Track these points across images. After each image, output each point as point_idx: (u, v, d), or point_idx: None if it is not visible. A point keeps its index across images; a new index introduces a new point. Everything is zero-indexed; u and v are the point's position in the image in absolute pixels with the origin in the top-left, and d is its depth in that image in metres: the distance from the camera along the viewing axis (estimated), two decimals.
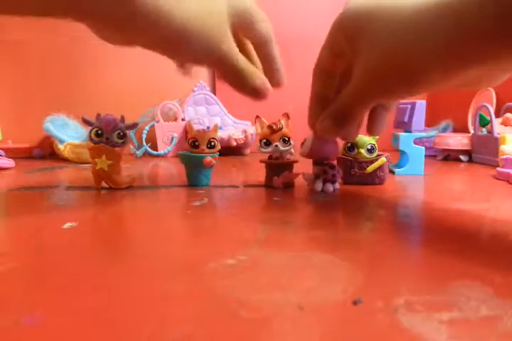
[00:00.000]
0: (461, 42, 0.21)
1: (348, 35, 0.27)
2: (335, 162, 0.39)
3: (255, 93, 0.33)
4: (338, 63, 0.31)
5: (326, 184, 0.38)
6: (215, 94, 0.89)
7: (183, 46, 0.29)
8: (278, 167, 0.40)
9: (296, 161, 0.41)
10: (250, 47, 0.36)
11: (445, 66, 0.23)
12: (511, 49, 0.20)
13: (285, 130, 0.38)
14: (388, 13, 0.24)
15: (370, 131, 0.34)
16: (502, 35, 0.19)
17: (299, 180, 0.41)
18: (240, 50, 0.33)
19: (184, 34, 0.28)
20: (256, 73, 0.33)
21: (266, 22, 0.35)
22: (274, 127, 0.39)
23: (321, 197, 0.36)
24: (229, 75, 0.33)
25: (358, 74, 0.27)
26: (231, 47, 0.32)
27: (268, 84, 0.34)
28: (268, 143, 0.39)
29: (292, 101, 0.74)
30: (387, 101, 0.30)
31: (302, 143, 0.37)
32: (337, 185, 0.39)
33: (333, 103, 0.31)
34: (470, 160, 0.69)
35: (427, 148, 0.54)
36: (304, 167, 0.44)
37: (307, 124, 0.34)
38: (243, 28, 0.34)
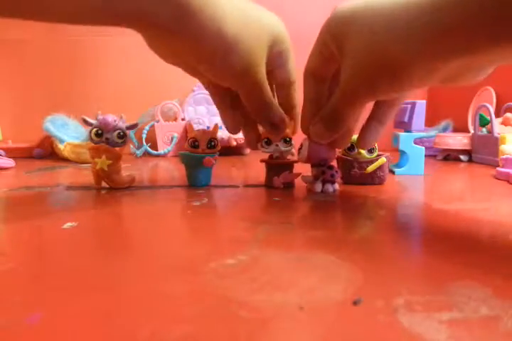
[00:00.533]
0: (439, 37, 0.21)
1: (335, 37, 0.28)
2: (334, 162, 0.39)
3: (273, 127, 0.35)
4: (329, 67, 0.31)
5: (325, 184, 0.38)
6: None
7: (228, 57, 0.30)
8: (278, 167, 0.40)
9: (296, 161, 0.41)
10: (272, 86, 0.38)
11: (425, 61, 0.23)
12: (495, 40, 0.20)
13: (286, 130, 0.38)
14: (372, 12, 0.25)
15: (359, 143, 0.34)
16: (483, 27, 0.19)
17: (299, 180, 0.41)
18: None
19: (233, 43, 0.29)
20: (279, 108, 0.35)
21: (294, 64, 0.36)
22: None
23: (321, 197, 0.36)
24: (255, 103, 0.34)
25: (344, 75, 0.27)
26: (265, 74, 0.32)
27: (287, 121, 0.36)
28: (269, 143, 0.39)
29: None
30: (374, 99, 0.30)
31: (299, 149, 0.38)
32: (336, 186, 0.39)
33: (324, 108, 0.31)
34: (470, 160, 0.69)
35: (427, 148, 0.54)
36: (304, 167, 0.44)
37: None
38: (274, 64, 0.35)
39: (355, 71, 0.26)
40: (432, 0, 0.21)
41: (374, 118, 0.33)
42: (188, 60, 0.31)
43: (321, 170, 0.38)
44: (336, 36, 0.28)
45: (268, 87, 0.33)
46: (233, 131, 0.39)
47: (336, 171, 0.38)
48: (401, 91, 0.26)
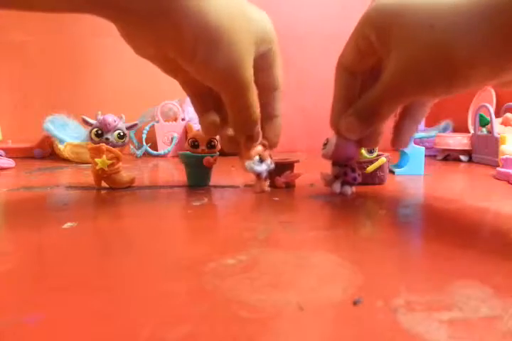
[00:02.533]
0: (506, 33, 0.20)
1: (378, 30, 0.26)
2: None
3: (249, 140, 0.33)
4: (364, 61, 0.30)
5: (344, 186, 0.36)
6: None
7: (211, 51, 0.27)
8: (280, 167, 0.40)
9: (297, 161, 0.41)
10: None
11: (495, 60, 0.21)
12: None
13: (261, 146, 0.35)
14: (423, 5, 0.23)
15: (395, 143, 0.32)
16: None
17: (299, 181, 0.41)
18: None
19: (218, 36, 0.26)
20: (258, 121, 0.31)
21: (281, 70, 0.33)
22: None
23: (321, 197, 0.36)
24: (239, 109, 0.30)
25: (391, 69, 0.26)
26: (252, 75, 0.29)
27: (260, 136, 0.33)
28: (261, 160, 0.35)
29: (290, 100, 0.74)
30: (420, 98, 0.27)
31: (324, 144, 0.35)
32: (353, 188, 0.37)
33: (360, 100, 0.29)
34: (470, 160, 0.69)
35: (427, 148, 0.54)
36: (305, 167, 0.44)
37: (329, 125, 0.33)
38: (260, 67, 0.31)
39: (405, 64, 0.25)
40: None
41: (407, 116, 0.31)
42: (167, 52, 0.28)
43: (344, 170, 0.36)
44: (380, 29, 0.26)
45: (255, 91, 0.30)
46: (210, 135, 0.37)
47: (359, 174, 0.36)
48: (451, 93, 0.24)
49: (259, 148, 0.34)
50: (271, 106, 0.34)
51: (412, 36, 0.24)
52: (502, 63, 0.21)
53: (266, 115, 0.34)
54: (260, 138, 0.34)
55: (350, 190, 0.37)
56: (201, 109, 0.34)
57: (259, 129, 0.33)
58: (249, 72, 0.29)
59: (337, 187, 0.36)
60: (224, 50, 0.27)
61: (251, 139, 0.33)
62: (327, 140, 0.35)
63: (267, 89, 0.33)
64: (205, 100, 0.33)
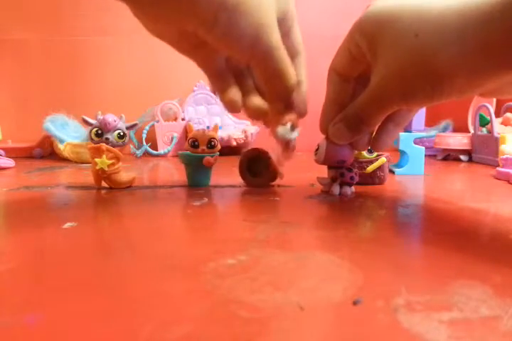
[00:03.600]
0: (491, 46, 0.20)
1: (367, 36, 0.26)
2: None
3: (287, 106, 0.31)
4: (356, 66, 0.30)
5: (343, 187, 0.37)
6: (215, 93, 0.89)
7: (233, 16, 0.25)
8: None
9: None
10: None
11: (473, 71, 0.21)
12: None
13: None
14: (410, 13, 0.24)
15: (375, 146, 0.32)
16: None
17: (299, 181, 0.41)
18: None
19: (240, 6, 0.24)
20: (294, 85, 0.30)
21: (300, 36, 0.32)
22: None
23: (321, 197, 0.36)
24: (271, 76, 0.29)
25: (377, 77, 0.26)
26: (280, 37, 0.27)
27: (306, 102, 0.32)
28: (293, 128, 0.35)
29: None
30: (405, 107, 0.27)
31: (316, 150, 0.35)
32: (353, 188, 0.38)
33: (348, 107, 0.29)
34: (470, 160, 0.69)
35: (427, 148, 0.54)
36: (304, 167, 0.44)
37: (319, 129, 0.33)
38: (280, 31, 0.28)
39: (390, 72, 0.25)
40: (478, 4, 0.20)
41: (391, 120, 0.31)
42: (186, 26, 0.26)
43: (340, 172, 0.36)
44: (369, 36, 0.26)
45: (286, 55, 0.28)
46: (234, 111, 0.32)
47: (356, 173, 0.37)
48: (435, 101, 0.24)
49: (292, 115, 0.32)
50: (296, 71, 0.31)
51: (397, 44, 0.24)
52: (483, 77, 0.22)
53: None
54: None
55: (350, 190, 0.37)
56: (222, 86, 0.31)
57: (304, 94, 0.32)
58: (276, 34, 0.27)
59: (336, 189, 0.37)
60: (247, 14, 0.25)
61: (289, 106, 0.31)
62: (318, 145, 0.35)
63: (289, 54, 0.30)
64: (225, 77, 0.31)
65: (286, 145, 0.34)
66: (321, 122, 0.33)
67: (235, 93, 0.31)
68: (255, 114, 0.32)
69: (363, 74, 0.30)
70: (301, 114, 0.32)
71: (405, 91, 0.24)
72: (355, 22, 0.27)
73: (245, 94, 0.32)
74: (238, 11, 0.25)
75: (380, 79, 0.26)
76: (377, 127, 0.32)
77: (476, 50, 0.21)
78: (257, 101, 0.31)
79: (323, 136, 0.34)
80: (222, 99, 0.32)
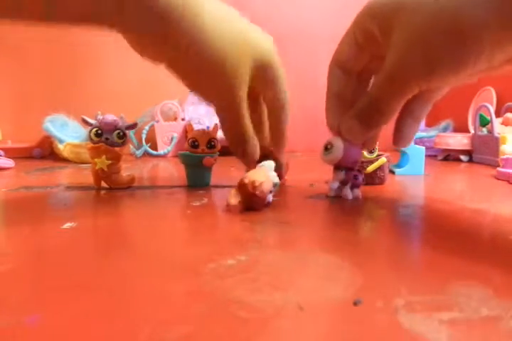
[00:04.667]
0: None
1: (380, 19, 0.25)
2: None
3: (243, 157, 0.34)
4: (361, 57, 0.29)
5: (353, 190, 0.35)
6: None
7: (204, 76, 0.30)
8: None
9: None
10: (263, 106, 0.37)
11: (500, 26, 0.20)
12: None
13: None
14: None
15: (397, 142, 0.31)
16: None
17: (299, 181, 0.41)
18: (252, 105, 0.33)
19: (212, 62, 0.29)
20: (253, 140, 0.34)
21: (285, 89, 0.34)
22: None
23: (321, 197, 0.36)
24: (229, 128, 0.33)
25: (393, 55, 0.24)
26: (244, 98, 0.31)
27: (256, 155, 0.34)
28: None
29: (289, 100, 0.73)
30: (426, 85, 0.25)
31: (326, 148, 0.32)
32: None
33: (359, 101, 0.28)
34: (470, 160, 0.69)
35: (427, 148, 0.54)
36: (304, 167, 0.44)
37: (326, 126, 0.32)
38: (262, 86, 0.34)
39: (412, 47, 0.23)
40: None
41: (408, 114, 0.29)
42: (170, 68, 0.31)
43: (353, 174, 0.34)
44: (382, 17, 0.25)
45: (245, 115, 0.32)
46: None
47: (362, 174, 0.35)
48: (461, 72, 0.22)
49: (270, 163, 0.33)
50: (278, 122, 0.36)
51: (416, 14, 0.23)
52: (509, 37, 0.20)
53: (275, 132, 0.36)
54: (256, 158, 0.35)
55: (358, 192, 0.35)
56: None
57: (254, 149, 0.34)
58: (239, 97, 0.31)
59: (349, 193, 0.34)
60: (217, 77, 0.30)
61: (245, 158, 0.34)
62: (331, 144, 0.32)
63: (273, 107, 0.35)
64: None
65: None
66: (328, 120, 0.31)
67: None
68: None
69: (365, 69, 0.30)
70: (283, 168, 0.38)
71: (429, 62, 0.23)
72: (363, 8, 0.26)
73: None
74: (210, 70, 0.30)
75: (399, 57, 0.24)
76: (395, 124, 0.31)
77: (501, 2, 0.20)
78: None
79: (330, 135, 0.33)
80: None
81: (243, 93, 0.31)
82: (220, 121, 0.33)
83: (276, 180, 0.32)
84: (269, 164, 0.33)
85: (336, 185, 0.34)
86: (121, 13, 0.27)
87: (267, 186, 0.30)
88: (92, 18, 0.27)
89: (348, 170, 0.34)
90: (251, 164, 0.34)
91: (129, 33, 0.29)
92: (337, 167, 0.34)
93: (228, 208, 0.30)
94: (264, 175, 0.31)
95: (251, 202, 0.30)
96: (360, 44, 0.28)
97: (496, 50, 0.21)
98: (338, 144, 0.31)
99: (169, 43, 0.28)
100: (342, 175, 0.34)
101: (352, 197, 0.35)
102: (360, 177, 0.35)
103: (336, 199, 0.35)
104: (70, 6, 0.26)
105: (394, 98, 0.26)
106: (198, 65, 0.29)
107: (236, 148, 0.34)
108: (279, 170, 0.38)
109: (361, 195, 0.35)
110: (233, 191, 0.30)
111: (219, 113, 0.33)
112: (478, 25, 0.21)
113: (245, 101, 0.31)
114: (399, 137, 0.31)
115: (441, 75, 0.23)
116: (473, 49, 0.21)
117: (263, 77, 0.33)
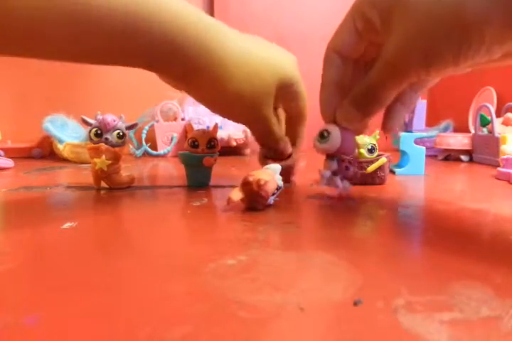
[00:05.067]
0: None
1: (378, 6, 0.25)
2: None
3: (279, 153, 0.40)
4: (359, 44, 0.28)
5: (343, 181, 0.34)
6: None
7: (235, 109, 0.35)
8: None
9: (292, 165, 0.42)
10: (281, 117, 0.42)
11: (503, 17, 0.20)
12: None
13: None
14: None
15: (385, 128, 0.31)
16: None
17: (299, 181, 0.41)
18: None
19: (235, 99, 0.34)
20: (284, 138, 0.39)
21: (305, 100, 0.39)
22: None
23: (321, 197, 0.36)
24: (262, 136, 0.39)
25: (393, 43, 0.24)
26: (271, 112, 0.37)
27: (289, 149, 0.41)
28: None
29: None
30: (424, 75, 0.24)
31: (323, 136, 0.31)
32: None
33: (356, 87, 0.28)
34: (471, 160, 0.69)
35: (427, 148, 0.54)
36: (304, 167, 0.44)
37: (320, 115, 0.31)
38: (284, 101, 0.39)
39: (412, 36, 0.23)
40: None
41: (398, 101, 0.29)
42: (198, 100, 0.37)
43: (345, 165, 0.33)
44: (381, 5, 0.24)
45: (274, 123, 0.37)
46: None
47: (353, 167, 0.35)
48: (461, 63, 0.22)
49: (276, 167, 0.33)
50: (296, 134, 0.42)
51: (419, 4, 0.22)
52: None
53: (292, 141, 0.41)
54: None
55: (349, 184, 0.34)
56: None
57: (287, 146, 0.40)
58: (268, 111, 0.36)
59: (339, 183, 0.33)
60: (242, 109, 0.35)
61: (280, 153, 0.40)
62: (327, 131, 0.30)
63: (294, 120, 0.41)
64: None
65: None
66: (323, 107, 0.31)
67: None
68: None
69: (362, 57, 0.29)
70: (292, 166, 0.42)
71: (428, 53, 0.22)
72: None
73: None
74: (235, 105, 0.35)
75: (398, 46, 0.24)
76: (385, 111, 0.30)
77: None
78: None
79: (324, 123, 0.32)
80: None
81: (270, 110, 0.36)
82: (251, 132, 0.40)
83: (281, 183, 0.32)
84: (275, 167, 0.33)
85: (328, 173, 0.33)
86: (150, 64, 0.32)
87: (272, 186, 0.30)
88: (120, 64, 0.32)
89: (340, 160, 0.33)
90: (285, 155, 0.41)
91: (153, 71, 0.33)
92: (330, 156, 0.33)
93: (229, 205, 0.30)
94: (270, 175, 0.31)
95: (253, 201, 0.30)
96: (359, 31, 0.27)
97: (497, 45, 0.21)
98: (336, 132, 0.30)
99: (191, 84, 0.34)
100: (335, 164, 0.33)
101: (342, 187, 0.34)
102: (351, 169, 0.34)
103: (335, 199, 0.35)
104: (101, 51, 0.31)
105: (392, 86, 0.26)
106: (224, 100, 0.35)
107: (269, 149, 0.40)
108: (290, 169, 0.42)
109: (352, 188, 0.35)
110: (236, 188, 0.30)
111: (249, 128, 0.39)
112: (480, 20, 0.20)
113: (272, 114, 0.36)
114: (387, 123, 0.31)
115: (441, 67, 0.23)
116: (474, 43, 0.21)
117: (288, 92, 0.37)
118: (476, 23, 0.21)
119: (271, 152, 0.40)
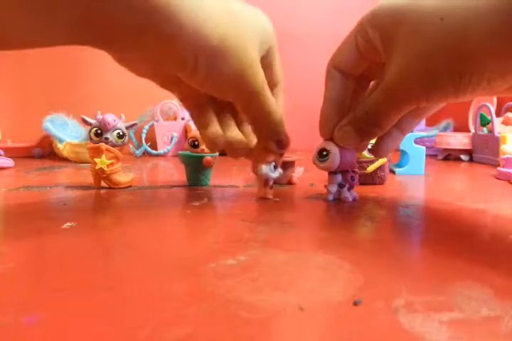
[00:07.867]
0: None
1: (381, 29, 0.24)
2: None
3: (279, 146, 0.31)
4: (361, 63, 0.28)
5: (350, 191, 0.34)
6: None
7: (215, 62, 0.25)
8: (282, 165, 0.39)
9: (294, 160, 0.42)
10: None
11: (505, 53, 0.20)
12: None
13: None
14: (430, 1, 0.22)
15: (376, 151, 0.31)
16: None
17: (299, 181, 0.41)
18: None
19: (220, 46, 0.25)
20: (282, 122, 0.30)
21: (279, 62, 0.32)
22: None
23: (321, 197, 0.36)
24: (257, 116, 0.29)
25: (393, 70, 0.24)
26: (264, 77, 0.28)
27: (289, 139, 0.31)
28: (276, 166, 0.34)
29: (289, 99, 0.73)
30: (425, 103, 0.24)
31: (322, 156, 0.31)
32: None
33: (357, 109, 0.27)
34: (471, 160, 0.69)
35: (427, 148, 0.54)
36: (303, 167, 0.44)
37: (318, 132, 0.31)
38: (262, 64, 0.29)
39: (412, 65, 0.23)
40: None
41: (396, 125, 0.28)
42: (166, 69, 0.28)
43: (350, 176, 0.33)
44: (383, 28, 0.24)
45: (270, 95, 0.28)
46: (215, 149, 0.32)
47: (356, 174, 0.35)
48: (460, 94, 0.22)
49: (276, 155, 0.33)
50: (276, 100, 0.32)
51: (419, 31, 0.22)
52: None
53: None
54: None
55: (355, 193, 0.35)
56: (202, 122, 0.31)
57: (286, 133, 0.31)
58: (260, 76, 0.27)
59: (348, 195, 0.34)
60: (229, 60, 0.25)
61: (280, 143, 0.31)
62: (326, 150, 0.31)
63: (271, 85, 0.31)
64: (206, 112, 0.31)
65: (265, 183, 0.35)
66: (322, 124, 0.30)
67: (215, 131, 0.31)
68: (236, 151, 0.32)
69: (364, 73, 0.29)
70: (284, 146, 0.31)
71: (429, 82, 0.22)
72: (366, 14, 0.26)
73: (225, 128, 0.31)
74: (219, 54, 0.25)
75: (399, 72, 0.23)
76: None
77: (506, 28, 0.19)
78: (237, 136, 0.31)
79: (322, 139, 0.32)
80: (203, 136, 0.32)
81: (261, 71, 0.28)
82: (243, 110, 0.30)
83: (278, 173, 0.33)
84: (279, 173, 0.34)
85: (335, 188, 0.34)
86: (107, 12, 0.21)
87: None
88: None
89: (343, 173, 0.33)
90: (283, 153, 0.33)
91: (111, 38, 0.23)
92: (333, 171, 0.33)
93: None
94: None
95: None
96: (362, 51, 0.27)
97: (499, 78, 0.21)
98: (335, 151, 0.31)
99: (169, 45, 0.24)
100: (339, 177, 0.33)
101: (351, 199, 0.34)
102: (356, 177, 0.34)
103: (335, 200, 0.35)
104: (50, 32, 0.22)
105: (391, 113, 0.25)
106: (201, 56, 0.25)
107: (271, 134, 0.31)
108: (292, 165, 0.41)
109: (358, 196, 0.35)
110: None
111: (239, 101, 0.29)
112: (483, 50, 0.20)
113: (266, 82, 0.28)
114: (379, 146, 0.30)
115: (441, 97, 0.23)
116: (475, 74, 0.21)
117: (264, 58, 0.29)
118: (478, 53, 0.20)
119: (271, 146, 0.32)
